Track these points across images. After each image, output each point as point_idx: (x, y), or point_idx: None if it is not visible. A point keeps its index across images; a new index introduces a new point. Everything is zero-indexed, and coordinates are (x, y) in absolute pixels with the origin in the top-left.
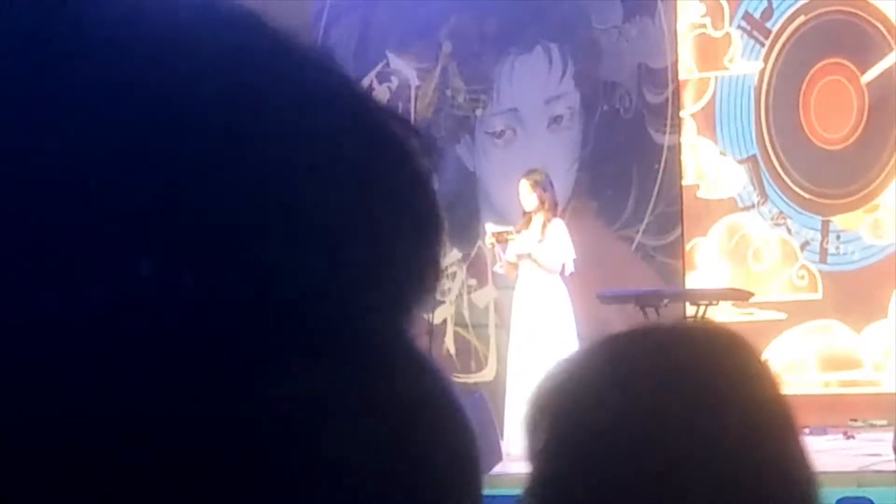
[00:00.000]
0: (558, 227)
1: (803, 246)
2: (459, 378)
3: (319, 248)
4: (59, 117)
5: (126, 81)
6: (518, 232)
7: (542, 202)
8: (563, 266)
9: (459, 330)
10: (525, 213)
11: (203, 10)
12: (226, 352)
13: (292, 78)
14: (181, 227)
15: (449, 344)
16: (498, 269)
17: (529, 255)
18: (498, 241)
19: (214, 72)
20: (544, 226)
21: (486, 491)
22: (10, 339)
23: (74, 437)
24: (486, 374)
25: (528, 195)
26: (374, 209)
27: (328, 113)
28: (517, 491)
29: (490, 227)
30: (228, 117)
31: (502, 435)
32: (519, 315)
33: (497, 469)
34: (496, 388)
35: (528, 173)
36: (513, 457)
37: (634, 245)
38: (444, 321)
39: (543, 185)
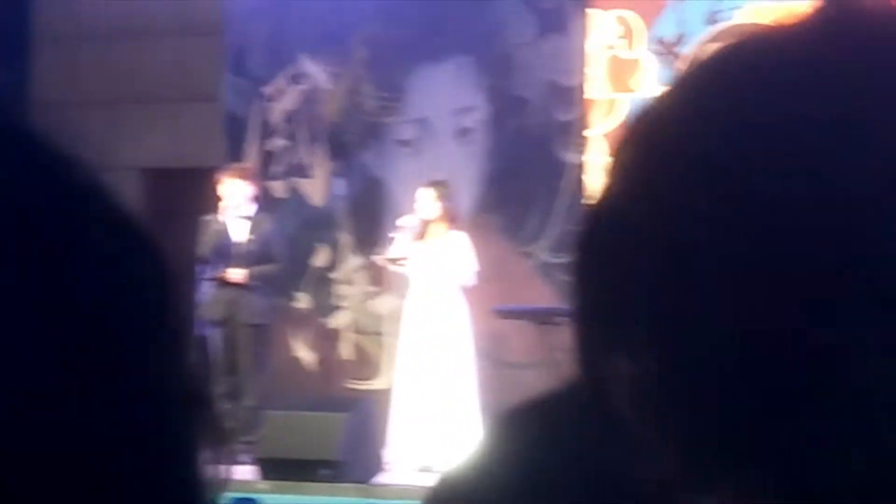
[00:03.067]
0: (462, 239)
1: None
2: (352, 385)
3: None
4: None
5: None
6: (414, 241)
7: (443, 213)
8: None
9: (358, 337)
10: (423, 222)
11: None
12: None
13: None
14: None
15: (346, 350)
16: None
17: (435, 266)
18: (392, 265)
19: None
20: (444, 237)
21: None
22: None
23: None
24: (380, 383)
25: (429, 205)
26: None
27: None
28: (398, 502)
29: (382, 256)
30: None
31: (385, 445)
32: (412, 324)
33: (378, 479)
34: (389, 397)
35: (432, 183)
36: (394, 467)
37: (535, 261)
38: (341, 328)
39: (446, 196)
